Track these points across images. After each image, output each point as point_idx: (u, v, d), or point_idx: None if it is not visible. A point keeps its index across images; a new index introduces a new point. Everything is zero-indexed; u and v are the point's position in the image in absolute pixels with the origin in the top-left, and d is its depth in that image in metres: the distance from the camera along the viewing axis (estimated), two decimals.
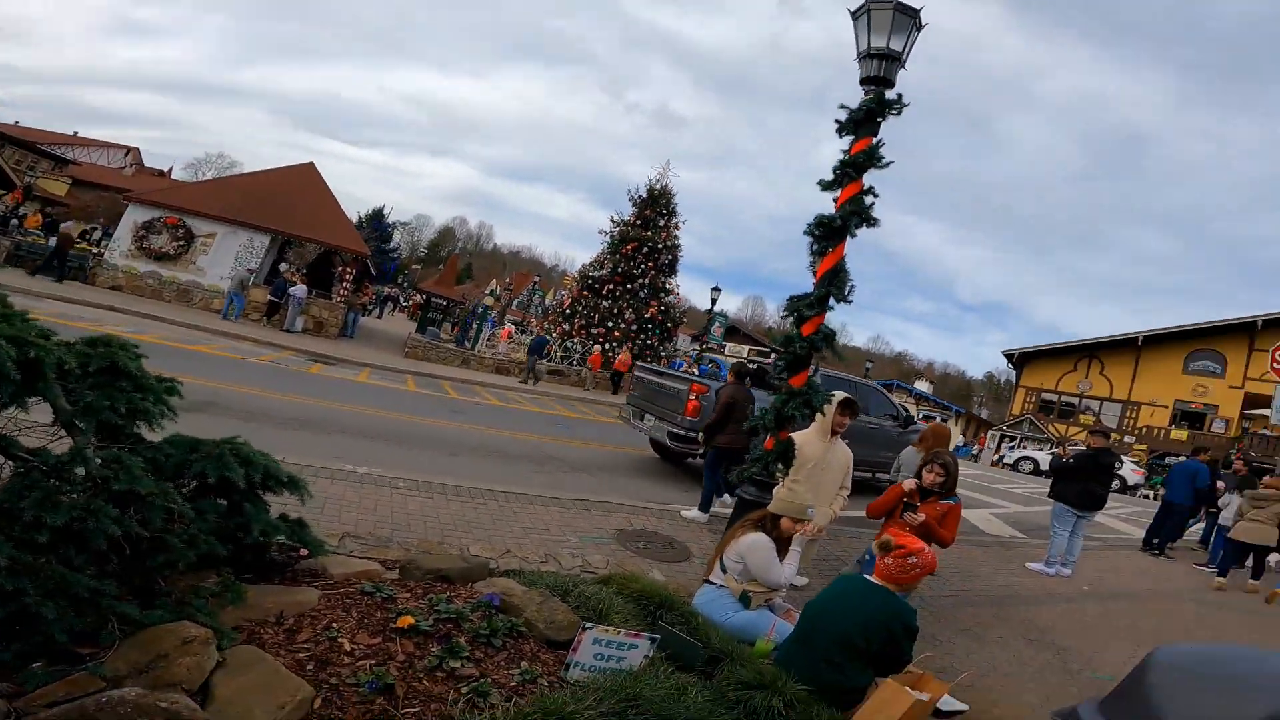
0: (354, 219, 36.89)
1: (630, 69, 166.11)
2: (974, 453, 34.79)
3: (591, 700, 2.19)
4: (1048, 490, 8.05)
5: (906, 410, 10.28)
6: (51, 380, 2.18)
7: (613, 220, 25.08)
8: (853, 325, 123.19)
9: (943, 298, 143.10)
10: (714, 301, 27.95)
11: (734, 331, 42.99)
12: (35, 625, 1.99)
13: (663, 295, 24.57)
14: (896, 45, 4.46)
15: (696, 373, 14.46)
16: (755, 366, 8.12)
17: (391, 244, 54.69)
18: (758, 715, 2.51)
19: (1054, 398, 38.47)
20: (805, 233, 4.37)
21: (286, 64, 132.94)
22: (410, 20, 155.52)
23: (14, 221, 20.78)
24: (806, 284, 4.58)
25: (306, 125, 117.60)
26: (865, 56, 4.54)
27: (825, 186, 4.45)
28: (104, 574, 2.26)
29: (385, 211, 54.05)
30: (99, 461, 2.29)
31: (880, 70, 4.49)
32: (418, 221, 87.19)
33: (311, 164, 23.38)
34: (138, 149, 50.35)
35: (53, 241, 18.10)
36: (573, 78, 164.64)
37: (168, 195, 20.65)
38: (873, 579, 3.12)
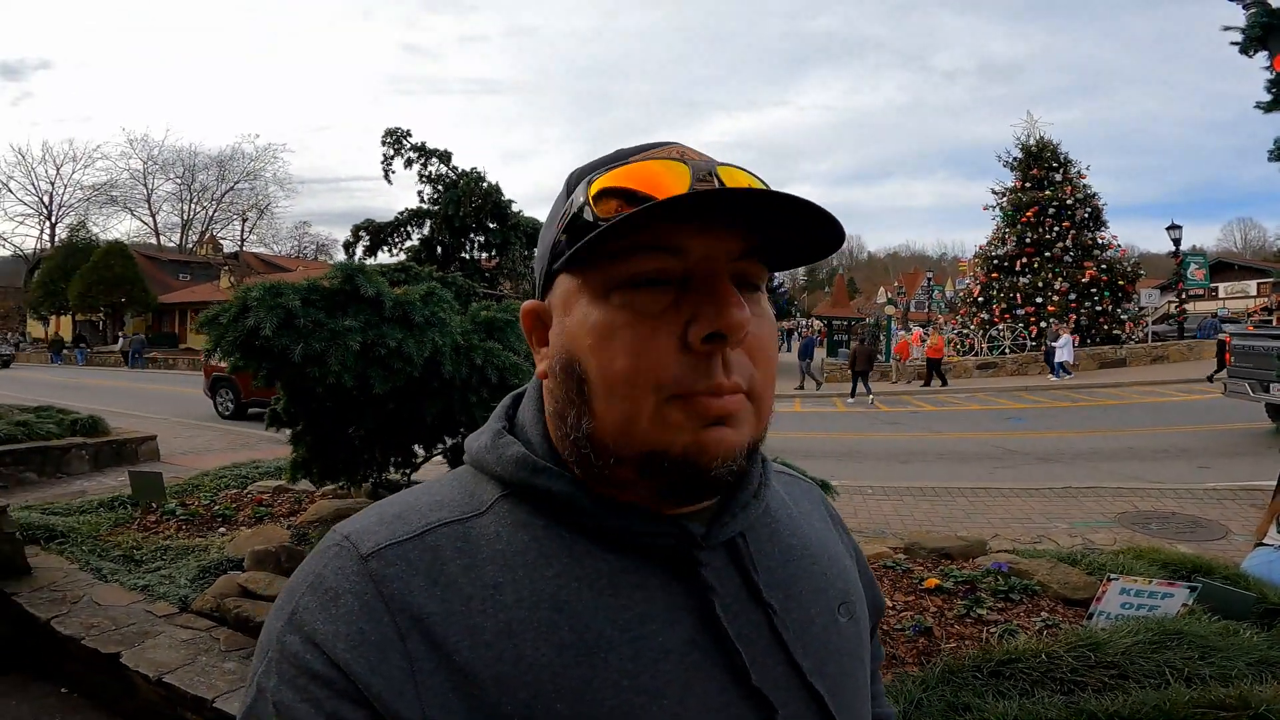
0: None
1: (918, 35, 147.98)
2: None
3: (1125, 634, 2.45)
4: None
5: None
6: None
7: (994, 191, 22.56)
8: None
9: None
10: (1176, 242, 22.42)
11: (1226, 267, 33.17)
12: None
13: (1097, 252, 20.84)
14: None
15: None
16: None
17: (775, 282, 58.11)
18: None
19: None
20: (1271, 158, 3.80)
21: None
22: (698, 78, 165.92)
23: None
24: None
25: None
26: None
27: (1267, 108, 3.83)
28: None
29: None
30: None
31: None
32: None
33: None
34: None
35: None
36: (867, 68, 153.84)
37: None
38: None
